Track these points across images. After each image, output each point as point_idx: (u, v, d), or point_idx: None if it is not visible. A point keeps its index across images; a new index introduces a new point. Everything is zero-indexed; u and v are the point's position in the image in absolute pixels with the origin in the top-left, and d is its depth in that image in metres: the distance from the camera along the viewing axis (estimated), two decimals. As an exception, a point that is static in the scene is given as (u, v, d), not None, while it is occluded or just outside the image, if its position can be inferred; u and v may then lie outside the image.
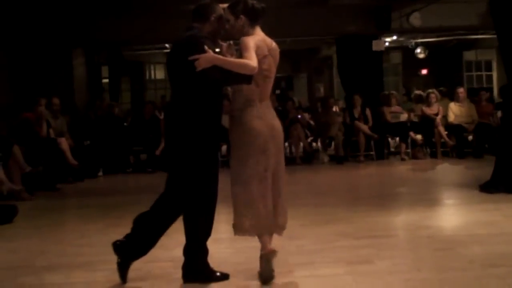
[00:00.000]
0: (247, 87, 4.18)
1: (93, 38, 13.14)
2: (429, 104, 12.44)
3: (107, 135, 11.67)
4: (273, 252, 4.15)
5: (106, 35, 13.12)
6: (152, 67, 21.05)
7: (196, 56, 3.95)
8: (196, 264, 4.27)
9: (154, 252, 5.12)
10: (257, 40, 4.16)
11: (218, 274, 4.30)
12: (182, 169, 4.28)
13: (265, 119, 4.25)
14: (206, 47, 3.99)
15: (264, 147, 4.22)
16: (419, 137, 12.38)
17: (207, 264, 4.31)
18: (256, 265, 4.55)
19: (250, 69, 3.98)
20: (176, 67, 4.21)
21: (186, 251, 4.30)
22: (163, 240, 5.57)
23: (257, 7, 4.27)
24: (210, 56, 3.97)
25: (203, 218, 4.32)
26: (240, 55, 4.09)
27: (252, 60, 3.99)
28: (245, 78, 4.06)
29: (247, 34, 4.21)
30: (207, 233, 4.36)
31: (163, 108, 14.56)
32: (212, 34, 4.28)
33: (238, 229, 4.29)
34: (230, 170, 4.36)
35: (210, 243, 5.47)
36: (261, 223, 4.19)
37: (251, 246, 4.97)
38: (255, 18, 4.26)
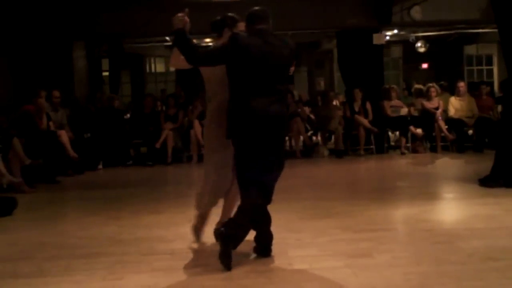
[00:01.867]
0: None
1: (94, 31, 13.12)
2: (429, 98, 12.43)
3: (107, 128, 11.67)
4: None
5: (106, 27, 13.08)
6: (152, 60, 21.02)
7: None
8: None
9: (153, 245, 5.15)
10: None
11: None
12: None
13: None
14: None
15: None
16: (419, 131, 12.37)
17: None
18: (256, 257, 4.58)
19: None
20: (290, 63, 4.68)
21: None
22: (162, 233, 5.62)
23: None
24: None
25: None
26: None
27: None
28: None
29: None
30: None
31: (162, 101, 14.56)
32: None
33: None
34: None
35: (210, 235, 5.50)
36: None
37: (251, 238, 4.99)
38: None
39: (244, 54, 4.41)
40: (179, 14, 4.46)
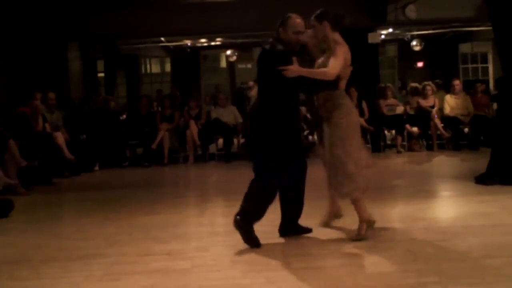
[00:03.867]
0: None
1: (88, 32, 13.12)
2: (425, 97, 12.45)
3: (103, 129, 11.65)
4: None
5: (101, 28, 13.09)
6: (147, 61, 21.02)
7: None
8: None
9: (150, 246, 5.14)
10: (345, 50, 5.07)
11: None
12: (268, 155, 4.97)
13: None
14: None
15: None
16: (415, 129, 12.39)
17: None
18: (253, 257, 4.58)
19: (330, 75, 4.87)
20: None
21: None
22: (159, 233, 5.61)
23: (338, 14, 5.31)
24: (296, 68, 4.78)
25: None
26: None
27: (334, 68, 4.87)
28: (331, 84, 5.03)
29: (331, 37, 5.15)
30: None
31: (158, 102, 14.56)
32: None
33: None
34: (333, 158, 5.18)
35: (207, 236, 5.51)
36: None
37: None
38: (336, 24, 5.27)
39: None
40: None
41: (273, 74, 4.80)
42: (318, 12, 5.30)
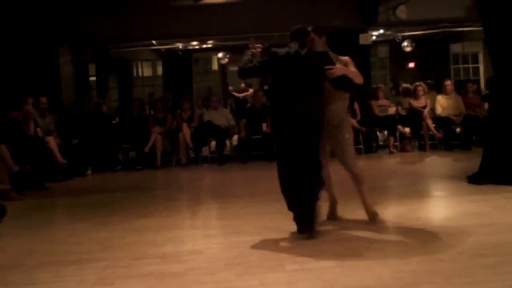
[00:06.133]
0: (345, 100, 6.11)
1: (80, 36, 13.06)
2: (416, 97, 12.48)
3: (95, 133, 11.61)
4: None
5: (92, 32, 13.03)
6: (139, 64, 20.97)
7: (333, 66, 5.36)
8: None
9: (143, 249, 5.13)
10: None
11: None
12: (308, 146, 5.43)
13: None
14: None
15: None
16: (407, 130, 12.42)
17: None
18: (247, 259, 4.58)
19: (362, 79, 5.82)
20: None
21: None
22: (152, 237, 5.60)
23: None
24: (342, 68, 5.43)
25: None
26: None
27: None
28: (353, 85, 5.76)
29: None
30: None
31: (150, 105, 14.55)
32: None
33: None
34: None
35: (201, 239, 5.50)
36: None
37: (241, 240, 5.00)
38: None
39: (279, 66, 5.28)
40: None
41: (322, 74, 5.29)
42: (315, 26, 5.78)
